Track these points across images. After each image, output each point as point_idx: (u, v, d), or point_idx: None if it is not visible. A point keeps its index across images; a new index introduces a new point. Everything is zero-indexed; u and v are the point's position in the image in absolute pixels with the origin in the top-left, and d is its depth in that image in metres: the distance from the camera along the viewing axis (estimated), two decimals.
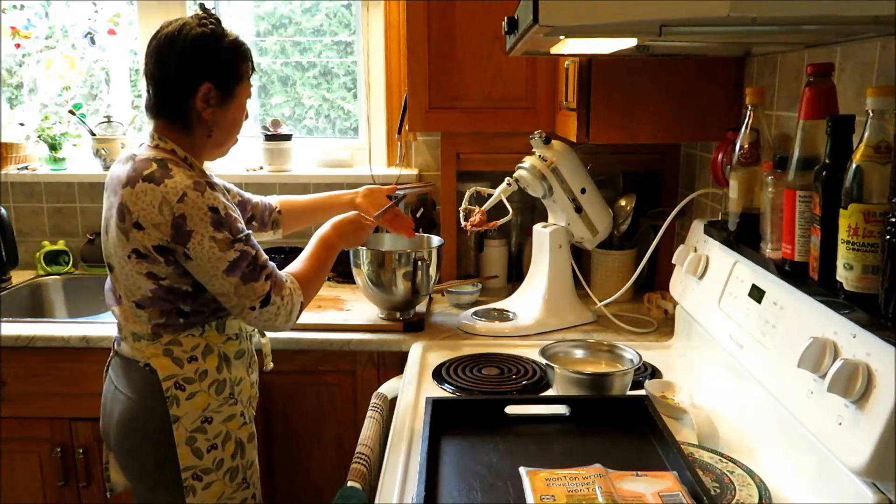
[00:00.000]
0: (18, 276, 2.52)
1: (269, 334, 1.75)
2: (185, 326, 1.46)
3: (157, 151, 1.43)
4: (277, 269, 1.47)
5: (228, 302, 1.42)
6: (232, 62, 1.44)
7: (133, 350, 1.48)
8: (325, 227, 1.61)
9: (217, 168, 2.51)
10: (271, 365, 1.73)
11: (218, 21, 1.45)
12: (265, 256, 1.45)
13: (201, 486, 1.46)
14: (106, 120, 2.60)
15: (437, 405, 1.31)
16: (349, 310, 2.10)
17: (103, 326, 2.03)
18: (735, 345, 1.38)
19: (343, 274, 2.29)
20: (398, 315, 2.01)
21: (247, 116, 1.54)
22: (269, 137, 2.51)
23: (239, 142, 1.56)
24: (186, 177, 1.37)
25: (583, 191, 1.98)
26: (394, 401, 1.61)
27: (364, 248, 1.95)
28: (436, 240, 2.09)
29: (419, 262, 1.93)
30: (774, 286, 1.27)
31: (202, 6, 1.48)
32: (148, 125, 1.49)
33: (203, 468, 1.46)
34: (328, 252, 1.59)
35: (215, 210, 1.36)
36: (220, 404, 1.48)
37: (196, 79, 1.40)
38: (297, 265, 1.54)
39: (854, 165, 0.98)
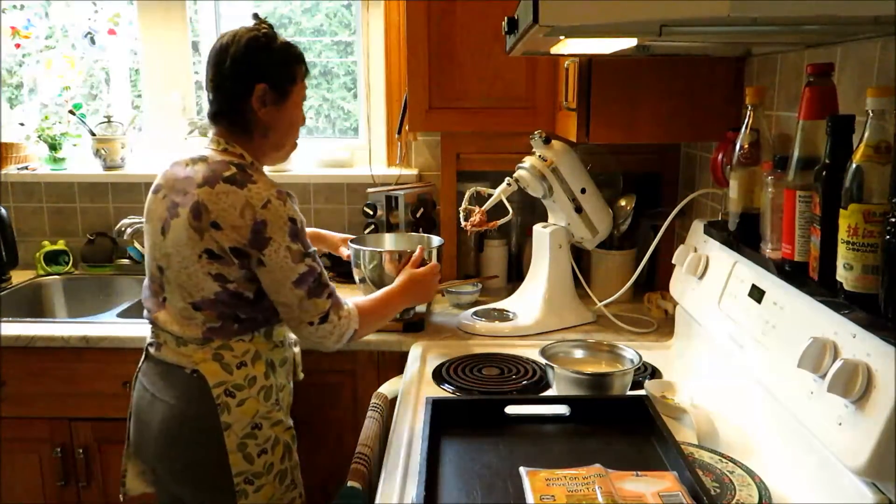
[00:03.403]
0: (18, 276, 2.52)
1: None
2: (237, 332, 1.46)
3: (228, 155, 1.45)
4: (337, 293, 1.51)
5: (289, 313, 1.44)
6: (285, 63, 1.49)
7: (177, 355, 1.46)
8: (398, 280, 1.73)
9: None
10: (302, 375, 1.72)
11: (270, 26, 1.49)
12: (327, 277, 1.48)
13: (252, 490, 1.46)
14: (106, 120, 2.60)
15: (437, 405, 1.31)
16: None
17: (103, 326, 2.03)
18: (735, 345, 1.37)
19: (343, 274, 2.29)
20: (398, 315, 2.00)
21: (303, 121, 1.57)
22: None
23: (298, 146, 1.60)
24: (270, 185, 1.41)
25: (583, 191, 1.98)
26: (394, 401, 1.61)
27: (364, 247, 1.95)
28: (436, 240, 2.09)
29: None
30: (774, 286, 1.27)
31: (255, 15, 1.52)
32: (210, 131, 1.53)
33: (254, 472, 1.46)
34: (393, 301, 1.69)
35: (294, 221, 1.41)
36: (269, 410, 1.48)
37: (251, 80, 1.45)
38: (362, 299, 1.60)
39: (854, 165, 0.98)
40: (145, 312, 1.54)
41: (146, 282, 1.55)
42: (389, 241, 2.14)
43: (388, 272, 1.86)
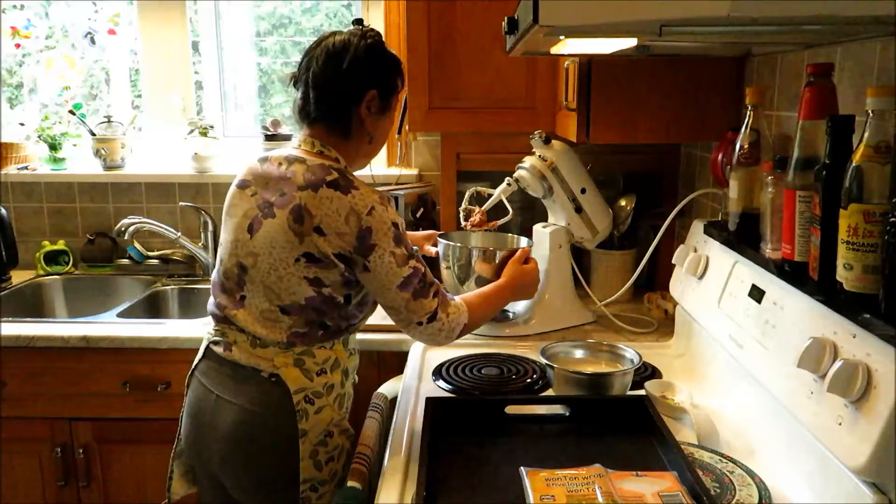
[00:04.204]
0: (18, 276, 2.52)
1: None
2: (321, 339, 1.43)
3: (324, 158, 1.43)
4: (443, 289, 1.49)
5: (397, 315, 1.43)
6: (392, 72, 1.48)
7: (252, 357, 1.42)
8: (506, 275, 1.67)
9: (215, 168, 2.51)
10: (356, 378, 1.67)
11: (379, 33, 1.48)
12: (431, 274, 1.46)
13: (316, 497, 1.43)
14: (106, 120, 2.60)
15: (436, 405, 1.31)
16: None
17: (103, 326, 2.03)
18: (735, 345, 1.38)
19: None
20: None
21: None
22: (268, 137, 2.51)
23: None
24: (371, 190, 1.39)
25: (583, 191, 1.98)
26: (394, 401, 1.61)
27: (456, 244, 1.86)
28: (524, 240, 1.97)
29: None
30: (774, 286, 1.27)
31: (360, 20, 1.51)
32: (301, 131, 1.48)
33: (320, 480, 1.44)
34: (503, 295, 1.64)
35: (396, 226, 1.39)
36: (341, 418, 1.47)
37: (365, 86, 1.43)
38: (469, 294, 1.58)
39: (854, 165, 0.98)
40: (213, 308, 1.49)
41: (216, 276, 1.50)
42: (475, 240, 2.05)
43: (478, 270, 1.80)
